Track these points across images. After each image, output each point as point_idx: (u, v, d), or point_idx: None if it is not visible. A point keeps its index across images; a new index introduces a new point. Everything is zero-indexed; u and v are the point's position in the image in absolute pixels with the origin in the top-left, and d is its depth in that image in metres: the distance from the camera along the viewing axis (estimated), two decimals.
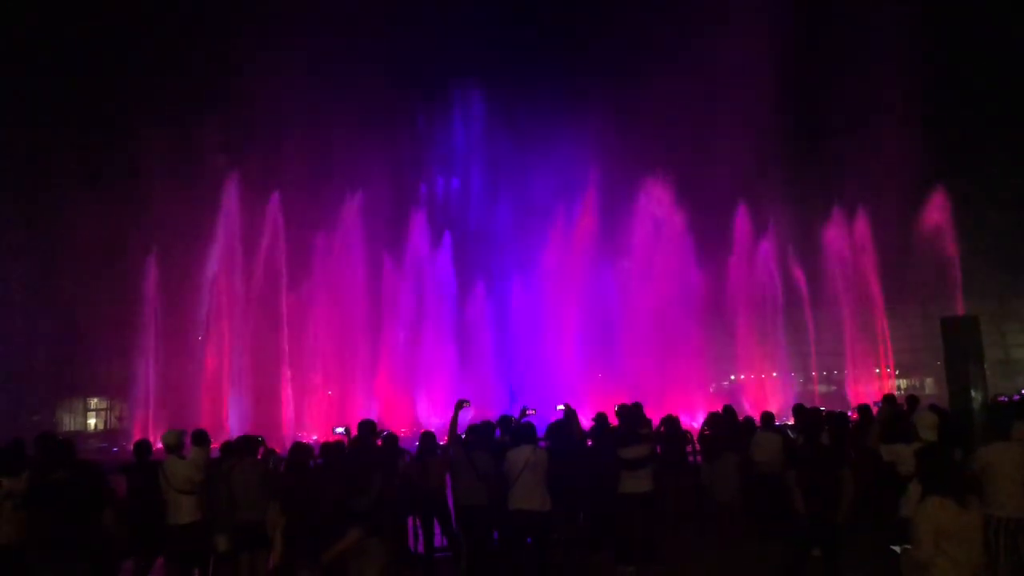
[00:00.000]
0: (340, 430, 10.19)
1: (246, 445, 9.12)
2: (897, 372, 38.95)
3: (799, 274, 35.27)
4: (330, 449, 8.90)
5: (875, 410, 12.52)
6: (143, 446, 9.32)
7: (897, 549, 4.93)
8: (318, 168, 34.27)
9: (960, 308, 33.14)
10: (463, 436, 9.73)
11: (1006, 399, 17.30)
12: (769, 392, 32.91)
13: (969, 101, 37.90)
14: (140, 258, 31.75)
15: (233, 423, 28.13)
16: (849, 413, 13.33)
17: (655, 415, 11.98)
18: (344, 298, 32.89)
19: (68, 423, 40.10)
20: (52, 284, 34.82)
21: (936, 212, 34.84)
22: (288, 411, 30.76)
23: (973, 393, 11.25)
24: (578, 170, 32.85)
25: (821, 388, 38.68)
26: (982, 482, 6.70)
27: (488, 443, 9.73)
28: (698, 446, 12.32)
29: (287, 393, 31.00)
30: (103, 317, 33.16)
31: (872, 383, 35.64)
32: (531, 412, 9.99)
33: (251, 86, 30.65)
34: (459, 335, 34.36)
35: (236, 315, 31.48)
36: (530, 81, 36.51)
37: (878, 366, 37.27)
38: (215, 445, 9.72)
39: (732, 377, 38.45)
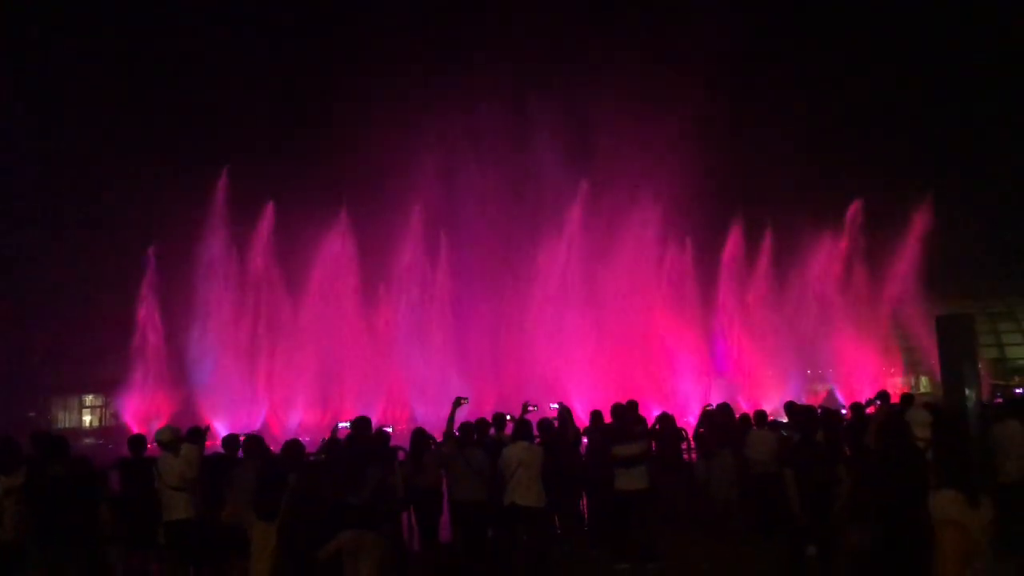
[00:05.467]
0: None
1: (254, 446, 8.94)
2: (891, 370, 38.97)
3: (793, 272, 35.30)
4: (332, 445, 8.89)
5: (871, 409, 12.53)
6: (137, 441, 9.32)
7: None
8: (314, 168, 34.15)
9: (955, 306, 33.17)
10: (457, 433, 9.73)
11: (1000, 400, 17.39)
12: (764, 390, 32.89)
13: (966, 98, 37.97)
14: (136, 255, 31.76)
15: (226, 421, 28.05)
16: (843, 411, 13.34)
17: (650, 414, 12.00)
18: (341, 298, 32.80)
19: (63, 420, 39.93)
20: (48, 281, 34.71)
21: (931, 210, 34.88)
22: (280, 408, 30.72)
23: (967, 392, 11.24)
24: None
25: (815, 386, 38.67)
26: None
27: (483, 440, 9.76)
28: (693, 444, 12.34)
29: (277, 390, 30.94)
30: (98, 314, 33.05)
31: (866, 381, 35.64)
32: (532, 408, 10.03)
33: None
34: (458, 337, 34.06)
35: (230, 311, 31.47)
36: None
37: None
38: (210, 444, 9.65)
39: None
